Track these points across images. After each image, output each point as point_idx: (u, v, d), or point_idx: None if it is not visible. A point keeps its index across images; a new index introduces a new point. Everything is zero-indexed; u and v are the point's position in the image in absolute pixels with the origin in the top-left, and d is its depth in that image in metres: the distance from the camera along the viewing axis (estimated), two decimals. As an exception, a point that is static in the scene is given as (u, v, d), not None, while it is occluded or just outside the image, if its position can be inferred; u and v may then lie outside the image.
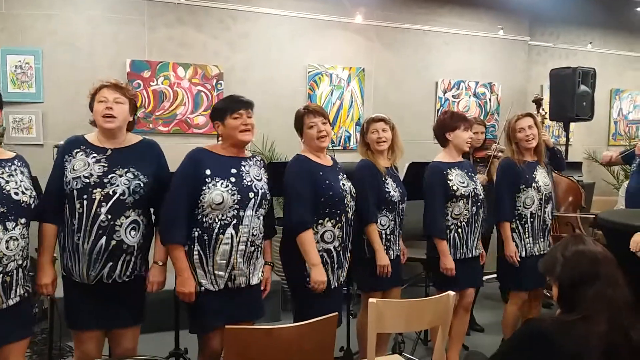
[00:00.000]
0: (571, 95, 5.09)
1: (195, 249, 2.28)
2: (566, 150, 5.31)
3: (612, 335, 1.50)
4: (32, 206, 2.10)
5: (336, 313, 2.00)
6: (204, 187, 2.25)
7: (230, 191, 2.26)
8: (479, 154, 4.16)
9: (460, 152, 3.12)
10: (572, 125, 5.60)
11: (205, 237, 2.27)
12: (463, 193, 2.98)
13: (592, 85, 5.22)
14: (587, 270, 1.57)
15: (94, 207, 2.18)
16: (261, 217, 2.38)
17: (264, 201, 2.37)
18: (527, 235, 3.17)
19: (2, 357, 2.05)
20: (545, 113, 4.87)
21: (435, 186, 2.99)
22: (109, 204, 2.19)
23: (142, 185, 2.27)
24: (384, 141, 2.95)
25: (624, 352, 1.51)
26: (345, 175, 2.72)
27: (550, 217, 3.26)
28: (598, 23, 6.52)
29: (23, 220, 2.07)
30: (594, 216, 4.35)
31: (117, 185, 2.22)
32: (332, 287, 2.57)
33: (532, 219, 3.16)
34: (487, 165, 3.88)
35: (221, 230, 2.26)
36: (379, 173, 2.91)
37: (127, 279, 2.28)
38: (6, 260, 2.00)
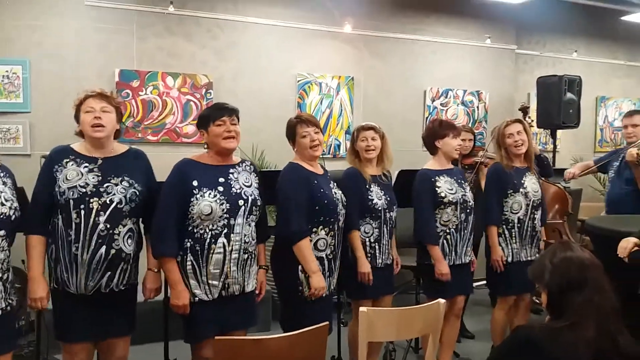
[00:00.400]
0: (558, 103, 5.15)
1: (188, 259, 2.27)
2: (553, 157, 5.36)
3: (600, 341, 1.51)
4: (13, 218, 2.07)
5: (327, 322, 1.99)
6: (192, 199, 2.25)
7: (218, 201, 2.25)
8: (467, 160, 4.19)
9: (449, 159, 3.14)
10: (559, 132, 5.66)
11: (198, 248, 2.26)
12: (451, 200, 3.00)
13: (578, 93, 5.29)
14: (575, 276, 1.59)
15: (92, 217, 2.17)
16: (253, 224, 2.38)
17: (254, 207, 2.36)
18: (514, 241, 3.18)
19: None
20: (532, 121, 4.92)
21: (424, 193, 3.01)
22: (107, 213, 2.19)
23: (137, 193, 2.29)
24: (373, 149, 2.96)
25: (612, 358, 1.52)
26: (335, 184, 2.74)
27: (541, 224, 3.27)
28: (583, 32, 6.62)
29: (2, 232, 2.04)
30: (579, 223, 4.41)
31: (114, 194, 2.22)
32: (324, 295, 2.57)
33: (519, 225, 3.17)
34: (475, 171, 3.90)
35: (213, 240, 2.26)
36: (363, 181, 2.91)
37: (123, 288, 2.29)
38: None
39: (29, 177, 2.40)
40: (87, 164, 2.24)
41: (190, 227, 2.27)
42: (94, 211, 2.17)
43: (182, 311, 2.27)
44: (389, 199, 2.97)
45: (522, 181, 3.18)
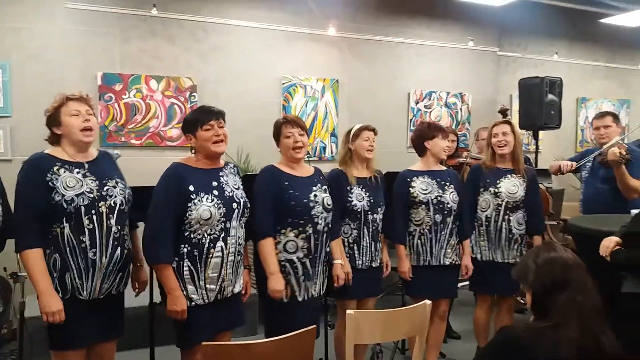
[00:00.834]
0: (539, 104, 5.21)
1: (185, 265, 2.26)
2: (536, 157, 5.42)
3: (584, 341, 1.53)
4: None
5: (314, 326, 1.99)
6: (189, 204, 2.24)
7: (216, 205, 2.26)
8: (450, 161, 4.23)
9: (437, 160, 3.16)
10: (541, 133, 5.73)
11: (196, 253, 2.25)
12: (422, 200, 3.04)
13: (559, 94, 5.36)
14: (559, 277, 1.61)
15: (104, 221, 2.18)
16: (244, 226, 2.41)
17: (245, 210, 2.39)
18: (482, 239, 3.21)
19: None
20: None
21: (397, 193, 3.10)
22: (115, 216, 2.21)
23: (130, 193, 2.32)
24: (373, 149, 3.02)
25: (596, 358, 1.55)
26: (324, 187, 2.71)
27: (520, 229, 3.20)
28: (563, 34, 6.73)
29: None
30: (562, 223, 4.46)
31: (116, 196, 2.24)
32: (300, 299, 2.56)
33: (487, 223, 3.20)
34: (461, 172, 3.94)
35: (212, 245, 2.27)
36: (346, 182, 2.93)
37: (123, 288, 2.33)
38: None
39: (11, 183, 2.36)
40: (77, 169, 2.21)
41: (187, 233, 2.25)
42: (104, 215, 2.18)
43: (179, 317, 2.25)
44: (372, 200, 2.97)
45: (498, 181, 3.19)
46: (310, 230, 2.56)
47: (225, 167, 2.45)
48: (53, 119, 2.24)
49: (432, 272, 3.08)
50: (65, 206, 2.12)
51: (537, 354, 1.53)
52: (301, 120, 2.72)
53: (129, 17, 4.61)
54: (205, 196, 2.26)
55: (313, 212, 2.56)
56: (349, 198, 2.91)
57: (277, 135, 2.67)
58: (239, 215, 2.35)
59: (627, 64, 7.36)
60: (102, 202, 2.18)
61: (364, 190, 2.97)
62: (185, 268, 2.26)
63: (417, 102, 5.80)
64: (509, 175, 3.21)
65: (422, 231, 3.08)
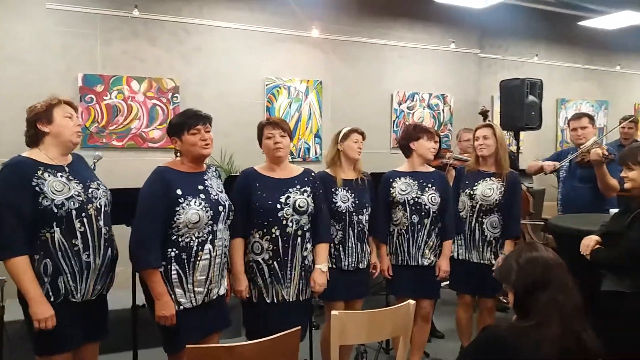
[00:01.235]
0: (520, 105, 5.26)
1: (173, 268, 2.24)
2: (517, 158, 5.48)
3: (565, 340, 1.56)
4: None
5: (298, 328, 1.99)
6: (177, 208, 2.22)
7: (204, 208, 2.26)
8: (433, 162, 4.25)
9: (424, 161, 3.17)
10: (522, 134, 5.79)
11: (184, 256, 2.24)
12: (399, 200, 3.07)
13: (540, 96, 5.42)
14: (540, 276, 1.63)
15: (94, 222, 2.18)
16: (229, 228, 2.42)
17: (230, 212, 2.40)
18: (458, 238, 3.26)
19: None
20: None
21: (380, 193, 3.15)
22: (102, 217, 2.23)
23: (110, 194, 2.34)
24: (361, 150, 3.04)
25: (577, 356, 1.57)
26: (305, 189, 2.66)
27: (494, 231, 3.20)
28: (543, 36, 6.83)
29: None
30: (542, 222, 4.52)
31: (100, 198, 2.25)
32: (269, 301, 2.54)
33: (461, 224, 3.26)
34: (445, 173, 3.97)
35: (200, 248, 2.26)
36: (331, 184, 2.94)
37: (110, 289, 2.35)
38: None
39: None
40: (60, 173, 2.18)
41: (175, 236, 2.24)
42: (93, 217, 2.19)
43: (169, 322, 2.23)
44: (357, 202, 2.97)
45: (475, 183, 3.22)
46: (277, 233, 2.52)
47: (208, 170, 2.45)
48: (44, 115, 2.19)
49: (411, 272, 3.10)
50: (56, 210, 2.09)
51: (519, 353, 1.55)
52: (285, 122, 2.71)
53: (110, 18, 4.56)
54: (193, 200, 2.25)
55: (280, 214, 2.52)
56: (333, 199, 2.92)
57: (260, 136, 2.68)
58: (225, 218, 2.36)
59: (605, 66, 7.51)
60: (90, 205, 2.19)
61: (349, 191, 2.97)
62: (174, 272, 2.24)
63: (400, 104, 5.83)
64: (487, 179, 3.22)
65: (399, 231, 3.11)
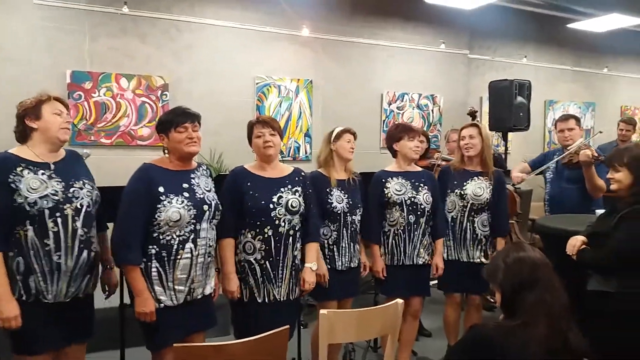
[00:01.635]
0: (509, 106, 5.31)
1: (153, 266, 2.23)
2: (505, 158, 5.52)
3: (552, 339, 1.57)
4: None
5: (287, 327, 1.99)
6: (158, 205, 2.21)
7: (186, 207, 2.24)
8: (421, 162, 4.27)
9: (408, 161, 3.19)
10: (510, 134, 5.84)
11: (164, 254, 2.23)
12: (395, 200, 3.07)
13: (528, 97, 5.47)
14: (527, 276, 1.65)
15: (70, 223, 2.13)
16: (215, 228, 2.39)
17: (217, 212, 2.37)
18: (448, 238, 3.27)
19: None
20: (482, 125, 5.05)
21: (372, 194, 3.13)
22: (81, 218, 2.17)
23: (98, 194, 2.29)
24: (353, 150, 3.04)
25: (564, 355, 1.59)
26: (296, 188, 2.65)
27: (485, 230, 3.25)
28: (532, 38, 6.89)
29: None
30: (529, 222, 4.57)
31: (82, 198, 2.19)
32: (260, 301, 2.54)
33: (452, 224, 3.26)
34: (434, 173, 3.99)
35: (180, 246, 2.24)
36: (326, 184, 2.94)
37: (90, 291, 2.29)
38: None
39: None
40: (42, 170, 2.15)
41: (156, 234, 2.23)
42: (69, 217, 2.13)
43: (148, 319, 2.22)
44: (351, 202, 2.99)
45: (465, 183, 3.25)
46: (270, 233, 2.52)
47: (198, 169, 2.43)
48: (32, 111, 2.19)
49: (405, 271, 3.11)
50: (29, 209, 2.07)
51: (506, 352, 1.56)
52: (275, 121, 2.70)
53: (99, 14, 4.53)
54: (175, 198, 2.24)
55: (273, 214, 2.52)
56: (328, 200, 2.92)
57: (249, 135, 2.67)
58: (210, 217, 2.33)
59: (592, 68, 7.59)
60: (68, 205, 2.13)
61: (342, 192, 2.98)
62: (154, 269, 2.23)
63: (389, 104, 5.85)
64: (475, 178, 3.26)
65: (396, 231, 3.11)
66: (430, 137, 4.71)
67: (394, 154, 3.21)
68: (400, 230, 3.10)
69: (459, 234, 3.26)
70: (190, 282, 2.29)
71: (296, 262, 2.65)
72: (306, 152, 5.40)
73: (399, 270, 3.11)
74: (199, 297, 2.34)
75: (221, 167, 4.77)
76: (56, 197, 2.11)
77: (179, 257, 2.24)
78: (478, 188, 3.24)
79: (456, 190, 3.25)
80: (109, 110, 4.58)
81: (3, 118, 4.08)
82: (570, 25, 6.52)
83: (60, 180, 2.16)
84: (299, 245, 2.66)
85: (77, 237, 2.15)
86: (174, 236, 2.24)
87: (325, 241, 2.94)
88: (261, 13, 5.14)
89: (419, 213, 3.11)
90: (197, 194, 2.31)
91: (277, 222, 2.54)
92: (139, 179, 2.26)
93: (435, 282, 3.53)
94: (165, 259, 2.23)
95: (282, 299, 2.59)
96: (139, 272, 2.22)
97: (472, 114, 4.52)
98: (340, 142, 3.01)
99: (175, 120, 2.32)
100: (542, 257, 1.71)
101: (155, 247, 2.23)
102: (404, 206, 3.08)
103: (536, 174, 4.08)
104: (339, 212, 2.94)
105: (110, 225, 2.52)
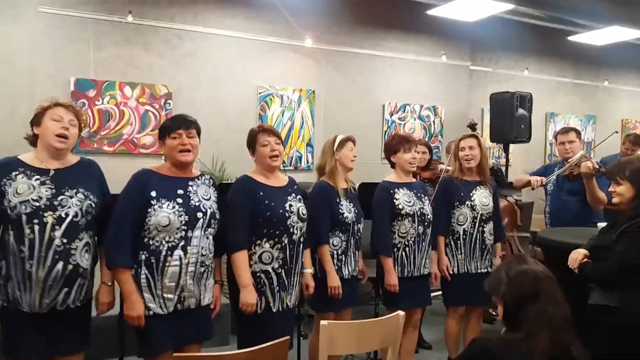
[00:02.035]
0: (510, 118, 5.33)
1: (143, 272, 2.22)
2: (506, 170, 5.52)
3: (554, 352, 1.57)
4: None
5: (287, 337, 1.98)
6: (149, 209, 2.21)
7: (177, 212, 2.23)
8: (424, 174, 4.28)
9: (406, 173, 3.20)
10: (511, 146, 5.85)
11: (153, 260, 2.22)
12: (408, 212, 3.06)
13: (529, 109, 5.49)
14: (530, 289, 1.64)
15: (47, 232, 2.08)
16: (211, 237, 2.35)
17: (212, 220, 2.34)
18: (459, 252, 3.26)
19: None
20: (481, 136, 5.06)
21: (382, 205, 3.08)
22: (63, 227, 2.10)
23: (93, 205, 2.22)
24: (355, 159, 3.05)
25: (566, 368, 1.59)
26: (299, 196, 2.70)
27: (491, 238, 3.33)
28: (534, 50, 6.91)
29: None
30: (530, 235, 4.56)
31: (69, 207, 2.14)
32: (275, 310, 2.53)
33: (464, 236, 3.25)
34: (435, 185, 3.99)
35: (169, 253, 2.22)
36: (335, 194, 2.94)
37: (79, 304, 2.21)
38: None
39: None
40: (38, 176, 2.15)
41: (146, 239, 2.22)
42: (48, 226, 2.08)
43: (136, 323, 2.21)
44: (357, 211, 3.01)
45: (471, 194, 3.27)
46: (286, 241, 2.54)
47: (200, 177, 2.42)
48: (36, 119, 2.22)
49: (412, 283, 3.10)
50: (9, 213, 2.07)
51: (508, 365, 1.56)
52: (276, 129, 2.73)
53: (103, 22, 4.55)
54: (167, 203, 2.22)
55: (289, 222, 2.55)
56: (340, 210, 2.92)
57: (253, 143, 2.64)
58: (204, 226, 2.30)
59: (593, 81, 7.61)
60: (50, 212, 2.08)
61: (348, 201, 2.99)
62: (143, 276, 2.22)
63: (391, 114, 5.87)
64: (478, 188, 3.30)
65: (407, 243, 3.09)
66: (432, 147, 4.71)
67: (393, 164, 3.22)
68: (411, 242, 3.09)
69: (470, 246, 3.26)
70: (180, 291, 2.25)
71: (301, 268, 2.70)
72: (308, 162, 5.41)
73: (407, 282, 3.08)
74: (193, 307, 2.31)
75: (223, 176, 4.77)
76: (37, 204, 2.08)
77: (167, 264, 2.21)
78: (484, 198, 3.29)
79: (467, 202, 3.25)
80: (113, 118, 4.59)
81: (5, 124, 4.12)
82: (571, 38, 6.55)
83: (52, 187, 2.14)
84: (303, 251, 2.71)
85: (53, 247, 2.08)
86: (163, 242, 2.21)
87: (335, 251, 2.94)
88: (264, 23, 5.17)
89: (425, 224, 3.13)
90: (191, 201, 2.29)
91: (291, 230, 2.56)
92: (132, 183, 2.28)
93: (437, 293, 3.52)
94: (154, 265, 2.21)
95: (291, 306, 2.62)
96: (128, 274, 2.20)
97: (472, 127, 4.53)
98: (344, 151, 3.01)
99: (170, 126, 2.33)
100: (545, 270, 1.70)
101: (145, 252, 2.22)
102: (415, 217, 3.08)
103: (543, 185, 4.08)
104: (349, 222, 2.95)
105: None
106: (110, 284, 2.34)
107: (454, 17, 5.60)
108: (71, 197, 2.16)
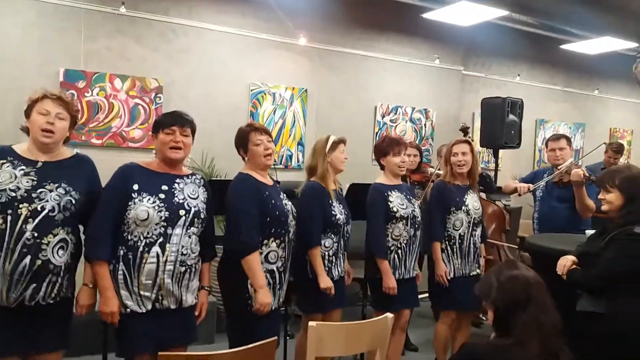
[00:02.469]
0: (501, 124, 5.36)
1: (120, 268, 2.18)
2: (495, 175, 5.56)
3: (543, 358, 1.57)
4: None
5: (275, 338, 1.97)
6: (130, 203, 2.18)
7: (157, 207, 2.18)
8: (414, 177, 4.28)
9: (395, 176, 3.19)
10: (501, 152, 5.88)
11: (130, 256, 2.17)
12: (402, 215, 3.06)
13: (520, 115, 5.52)
14: (520, 294, 1.64)
15: (19, 224, 2.01)
16: (193, 237, 2.29)
17: (196, 219, 2.28)
18: (455, 257, 3.27)
19: None
20: (472, 141, 5.08)
21: (377, 207, 3.07)
22: (36, 221, 2.04)
23: (73, 201, 2.14)
24: (346, 160, 3.04)
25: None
26: (285, 195, 2.71)
27: (480, 241, 3.39)
28: (526, 57, 6.96)
29: None
30: (517, 247, 4.59)
31: (47, 201, 2.08)
32: (272, 308, 2.53)
33: (460, 241, 3.27)
34: (424, 188, 3.99)
35: (146, 249, 2.17)
36: (327, 196, 2.92)
37: (51, 301, 2.14)
38: None
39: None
40: (23, 167, 2.10)
41: (125, 233, 2.19)
42: (22, 217, 2.02)
43: (110, 320, 2.16)
44: (346, 212, 3.01)
45: (464, 199, 3.28)
46: (286, 240, 2.58)
47: (189, 176, 2.38)
48: (27, 112, 2.18)
49: (403, 285, 3.10)
50: None
51: (498, 371, 1.55)
52: (267, 128, 2.72)
53: (95, 13, 4.49)
54: (148, 197, 2.19)
55: (289, 221, 2.59)
56: (332, 212, 2.91)
57: (244, 143, 2.60)
58: (186, 224, 2.24)
59: (583, 89, 7.68)
60: (25, 204, 2.02)
61: (338, 202, 2.98)
62: (120, 272, 2.18)
63: (383, 116, 5.87)
64: (469, 192, 3.34)
65: (399, 245, 3.09)
66: (422, 150, 4.72)
67: (383, 167, 3.22)
68: (403, 245, 3.09)
69: (466, 250, 3.29)
70: (158, 289, 2.20)
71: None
72: (298, 161, 5.38)
73: (398, 284, 3.07)
74: (173, 307, 2.25)
75: (212, 172, 4.74)
76: (13, 194, 2.02)
77: (144, 261, 2.17)
78: (474, 202, 3.34)
79: (463, 207, 3.26)
80: (102, 111, 4.53)
81: (-6, 113, 4.05)
82: (563, 47, 6.60)
83: (34, 179, 2.09)
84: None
85: (22, 240, 2.02)
86: (141, 237, 2.17)
87: (326, 253, 2.92)
88: (259, 20, 5.14)
89: (416, 226, 3.14)
90: (175, 198, 2.25)
91: (289, 228, 2.60)
92: (116, 176, 2.26)
93: (424, 295, 3.53)
94: (131, 261, 2.17)
95: (279, 304, 2.62)
96: (106, 269, 2.17)
97: (464, 130, 4.55)
98: (335, 154, 2.99)
99: (165, 122, 2.31)
100: (535, 276, 1.71)
101: (123, 248, 2.19)
102: (408, 220, 3.08)
103: (530, 191, 4.10)
104: (341, 223, 2.93)
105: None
106: (91, 286, 2.26)
107: (448, 21, 5.61)
108: (51, 190, 2.10)
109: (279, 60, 5.30)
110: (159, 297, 2.21)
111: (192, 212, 2.27)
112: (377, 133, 5.81)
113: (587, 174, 3.52)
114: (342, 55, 5.61)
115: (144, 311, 2.19)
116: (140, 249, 2.17)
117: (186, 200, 2.27)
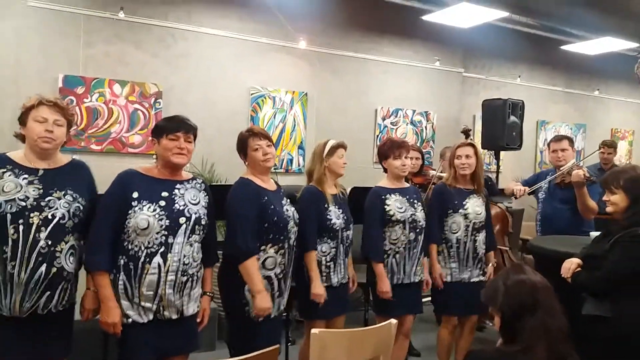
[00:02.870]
0: (502, 125, 5.33)
1: (121, 278, 2.15)
2: (497, 177, 5.53)
3: (552, 364, 1.55)
4: None
5: (277, 345, 1.93)
6: (129, 211, 2.14)
7: (157, 216, 2.14)
8: (416, 179, 4.26)
9: (397, 178, 3.16)
10: (502, 153, 5.86)
11: (131, 266, 2.14)
12: (399, 218, 3.03)
13: (521, 117, 5.50)
14: (527, 299, 1.62)
15: (32, 233, 2.00)
16: (195, 244, 2.25)
17: (197, 226, 2.24)
18: (452, 260, 3.23)
19: None
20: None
21: (373, 211, 3.05)
22: (49, 229, 2.03)
23: (81, 208, 2.14)
24: (345, 165, 3.00)
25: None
26: (288, 200, 2.68)
27: (483, 247, 3.29)
28: (526, 58, 6.94)
29: None
30: (521, 242, 4.56)
31: (56, 209, 2.07)
32: (272, 316, 2.50)
33: (457, 245, 3.22)
34: (426, 190, 3.97)
35: (147, 259, 2.13)
36: (323, 200, 2.89)
37: (61, 308, 2.14)
38: None
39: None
40: (26, 175, 2.08)
41: (126, 242, 2.15)
42: (34, 227, 2.01)
43: (111, 330, 2.13)
44: (346, 217, 2.96)
45: (464, 202, 3.24)
46: (286, 246, 2.54)
47: (190, 181, 2.35)
48: (21, 119, 2.15)
49: (403, 290, 3.07)
50: None
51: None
52: (266, 131, 2.69)
53: (94, 19, 4.48)
54: (148, 205, 2.15)
55: (289, 227, 2.55)
56: (328, 217, 2.87)
57: (244, 148, 2.59)
58: (187, 232, 2.21)
59: (584, 90, 7.66)
60: (36, 213, 2.02)
61: (337, 207, 2.94)
62: (120, 282, 2.14)
63: (384, 119, 5.85)
64: (472, 196, 3.28)
65: (397, 249, 3.05)
66: (423, 153, 4.70)
67: (385, 170, 3.20)
68: (401, 249, 3.06)
69: (464, 255, 3.23)
70: (159, 300, 2.16)
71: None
72: (299, 165, 5.36)
73: (397, 289, 3.05)
74: (175, 317, 2.21)
75: (212, 177, 4.71)
76: (23, 203, 2.01)
77: (145, 271, 2.13)
78: (477, 206, 3.26)
79: (460, 210, 3.22)
80: (101, 116, 4.51)
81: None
82: (564, 47, 6.59)
83: (40, 187, 2.07)
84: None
85: (37, 249, 2.01)
86: (142, 247, 2.13)
87: (323, 258, 2.88)
88: (258, 24, 5.13)
89: (417, 230, 3.09)
90: (176, 205, 2.20)
91: (289, 234, 2.56)
92: (115, 183, 2.22)
93: (427, 299, 3.49)
94: (132, 272, 2.13)
95: (281, 311, 2.59)
96: (106, 279, 2.14)
97: (466, 132, 4.52)
98: (334, 159, 2.95)
99: (169, 127, 2.26)
100: (543, 280, 1.68)
101: (124, 257, 2.15)
102: (407, 224, 3.05)
103: (528, 193, 4.08)
104: (337, 228, 2.89)
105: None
106: (95, 290, 2.24)
107: (448, 23, 5.60)
108: (59, 198, 2.09)
109: (279, 64, 5.28)
110: (160, 308, 2.17)
111: (193, 219, 2.23)
112: (377, 136, 5.79)
113: (587, 175, 3.51)
114: (342, 58, 5.60)
115: (146, 321, 2.17)
116: (142, 259, 2.13)
117: (187, 206, 2.24)
